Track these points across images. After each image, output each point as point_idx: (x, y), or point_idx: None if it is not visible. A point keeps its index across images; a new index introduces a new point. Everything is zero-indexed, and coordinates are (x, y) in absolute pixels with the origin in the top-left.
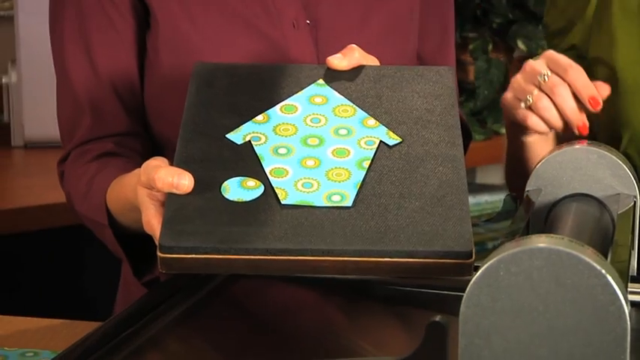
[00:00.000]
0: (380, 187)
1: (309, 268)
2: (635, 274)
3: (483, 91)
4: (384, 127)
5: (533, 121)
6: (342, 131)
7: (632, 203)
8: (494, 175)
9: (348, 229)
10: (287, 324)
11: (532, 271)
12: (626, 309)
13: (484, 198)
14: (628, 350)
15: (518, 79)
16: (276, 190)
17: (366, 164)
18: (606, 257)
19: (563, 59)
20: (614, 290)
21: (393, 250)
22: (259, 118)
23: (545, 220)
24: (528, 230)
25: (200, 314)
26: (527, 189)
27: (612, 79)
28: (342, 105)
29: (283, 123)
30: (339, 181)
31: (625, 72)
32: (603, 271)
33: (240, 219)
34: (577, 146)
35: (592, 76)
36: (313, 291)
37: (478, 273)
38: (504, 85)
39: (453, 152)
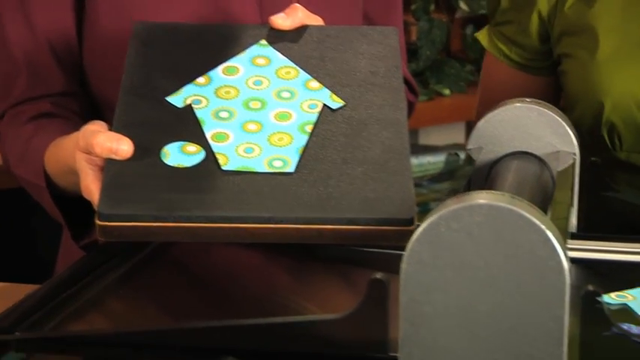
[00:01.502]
0: (322, 153)
1: (250, 235)
2: (575, 230)
3: (425, 51)
4: (327, 89)
5: None
6: (285, 94)
7: (572, 161)
8: (437, 136)
9: (290, 196)
10: (229, 284)
11: (472, 227)
12: (566, 264)
13: (427, 159)
14: (567, 305)
15: None
16: (217, 156)
17: (309, 129)
18: (546, 214)
19: None
20: (554, 246)
21: (335, 218)
22: (200, 80)
23: (486, 178)
24: (470, 188)
25: (141, 274)
26: (468, 147)
27: (592, 46)
28: (284, 67)
29: (225, 85)
30: (281, 146)
31: (606, 39)
32: (543, 227)
33: (180, 185)
34: (518, 104)
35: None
36: (257, 251)
37: (419, 230)
38: (446, 46)
39: (396, 116)
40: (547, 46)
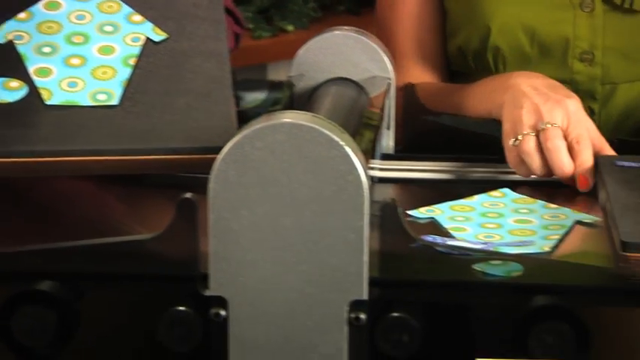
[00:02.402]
0: (146, 85)
1: (75, 168)
2: (393, 152)
3: None
4: (149, 22)
5: (514, 161)
6: (108, 28)
7: (387, 85)
8: (286, 71)
9: (114, 128)
10: (61, 211)
11: (275, 145)
12: (364, 178)
13: (274, 95)
14: (366, 217)
15: (523, 117)
16: (40, 91)
17: (132, 61)
18: (361, 137)
19: (581, 122)
20: (352, 161)
21: (159, 148)
22: (22, 15)
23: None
24: None
25: None
26: (290, 74)
27: None
28: (107, 1)
29: (47, 20)
30: (105, 80)
31: None
32: (342, 143)
33: (3, 121)
34: (336, 32)
35: None
36: (88, 180)
37: (224, 149)
38: None
39: (218, 47)
40: None
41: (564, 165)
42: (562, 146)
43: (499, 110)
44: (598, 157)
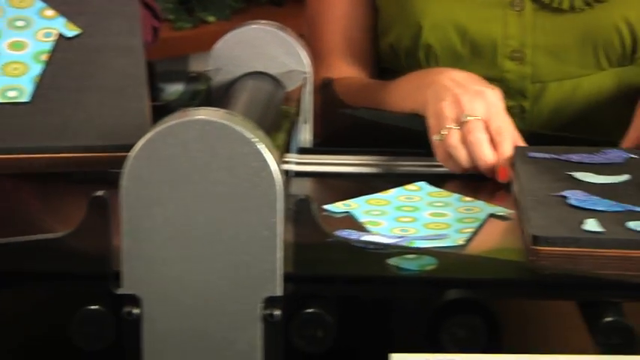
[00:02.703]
0: (58, 81)
1: None
2: (310, 146)
3: None
4: (62, 17)
5: (442, 157)
6: (19, 23)
7: (304, 79)
8: (206, 63)
9: (25, 126)
10: None
11: (188, 142)
12: (277, 174)
13: (193, 86)
14: (279, 213)
15: (444, 110)
16: None
17: (44, 57)
18: (277, 131)
19: (501, 113)
20: (265, 158)
21: (72, 146)
22: None
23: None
24: None
25: None
26: (207, 69)
27: None
28: None
29: None
30: (16, 76)
31: None
32: (255, 140)
33: None
34: (253, 26)
35: None
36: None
37: (137, 146)
38: None
39: (133, 43)
40: None
41: (486, 157)
42: (483, 139)
43: (423, 107)
44: (517, 150)
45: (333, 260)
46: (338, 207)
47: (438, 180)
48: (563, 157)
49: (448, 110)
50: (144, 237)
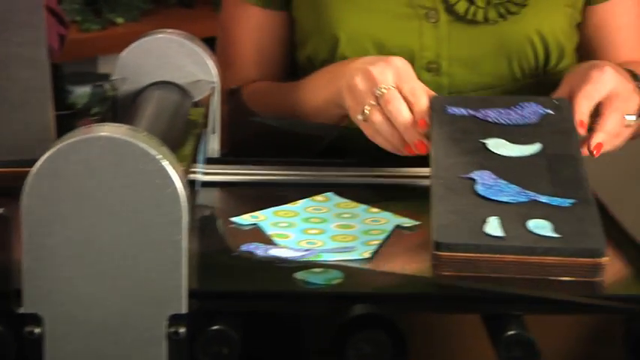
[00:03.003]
0: None
1: None
2: (218, 155)
3: None
4: None
5: (372, 134)
6: None
7: (211, 89)
8: (114, 65)
9: None
10: None
11: (91, 159)
12: (182, 192)
13: (99, 89)
14: (184, 231)
15: (358, 85)
16: None
17: None
18: (185, 142)
19: (410, 75)
20: (169, 174)
21: None
22: None
23: (130, 108)
24: (115, 120)
25: None
26: (112, 78)
27: None
28: None
29: None
30: None
31: None
32: (159, 157)
33: None
34: (160, 35)
35: None
36: None
37: (38, 163)
38: None
39: (37, 54)
40: None
41: (405, 119)
42: (402, 106)
43: (338, 93)
44: (432, 100)
45: (239, 275)
46: (245, 219)
47: (346, 189)
48: (481, 113)
49: (362, 85)
50: (45, 255)
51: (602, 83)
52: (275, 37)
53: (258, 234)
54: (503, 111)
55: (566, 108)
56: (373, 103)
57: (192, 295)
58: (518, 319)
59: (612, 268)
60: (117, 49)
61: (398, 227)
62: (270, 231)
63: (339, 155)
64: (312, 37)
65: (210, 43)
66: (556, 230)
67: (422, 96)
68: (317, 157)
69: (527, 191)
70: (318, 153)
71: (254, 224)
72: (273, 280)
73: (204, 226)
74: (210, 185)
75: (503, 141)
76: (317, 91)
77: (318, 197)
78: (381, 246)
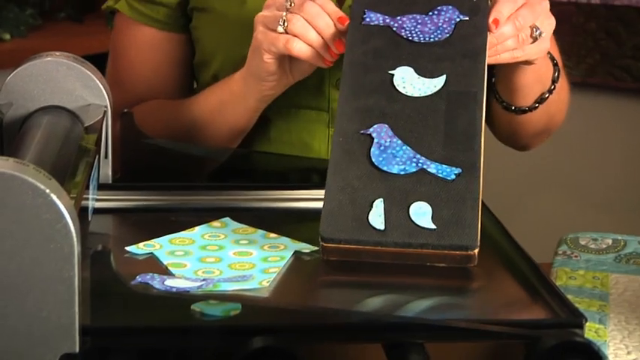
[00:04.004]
0: None
1: None
2: (110, 181)
3: None
4: None
5: (295, 46)
6: None
7: (103, 113)
8: (3, 81)
9: None
10: None
11: None
12: (73, 227)
13: None
14: (76, 267)
15: (263, 13)
16: None
17: None
18: (76, 169)
19: None
20: (59, 209)
21: None
22: None
23: (17, 133)
24: (2, 147)
25: None
26: None
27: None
28: None
29: None
30: None
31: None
32: (47, 191)
33: None
34: (48, 58)
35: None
36: None
37: None
38: None
39: None
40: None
41: (325, 16)
42: (317, 7)
43: (250, 56)
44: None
45: (134, 309)
46: (140, 248)
47: (242, 213)
48: (397, 22)
49: (268, 12)
50: None
51: None
52: (171, 58)
53: (153, 263)
54: (419, 18)
55: (483, 9)
56: (288, 11)
57: (85, 332)
58: (419, 347)
59: (510, 291)
60: (5, 66)
61: (297, 253)
62: (166, 260)
63: (235, 177)
64: (217, 57)
65: (101, 59)
66: (434, 217)
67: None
68: (212, 180)
69: (418, 156)
70: (214, 175)
71: (150, 253)
72: (170, 312)
73: (98, 256)
74: (104, 212)
75: (410, 70)
76: (223, 86)
77: (215, 223)
78: (279, 274)
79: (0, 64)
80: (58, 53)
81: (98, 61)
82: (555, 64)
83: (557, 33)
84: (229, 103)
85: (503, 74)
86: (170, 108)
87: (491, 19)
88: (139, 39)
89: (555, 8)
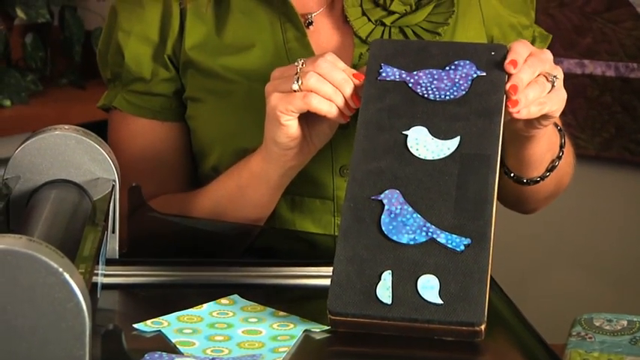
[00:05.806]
0: None
1: None
2: (117, 256)
3: None
4: None
5: (312, 100)
6: None
7: (111, 187)
8: (4, 149)
9: None
10: None
11: None
12: (85, 306)
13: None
14: (87, 345)
15: (273, 82)
16: None
17: None
18: (85, 245)
19: (327, 54)
20: (72, 288)
21: None
22: None
23: (25, 207)
24: (9, 220)
25: None
26: (5, 177)
27: (224, 90)
28: None
29: None
30: None
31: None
32: (60, 269)
33: None
34: (56, 132)
35: None
36: None
37: None
38: (6, 55)
39: None
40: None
41: (340, 72)
42: (329, 63)
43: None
44: (370, 44)
45: None
46: (148, 326)
47: (251, 290)
48: (413, 77)
49: (279, 72)
50: None
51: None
52: (174, 147)
53: (162, 341)
54: (435, 73)
55: (500, 63)
56: (301, 70)
57: None
58: None
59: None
60: (6, 133)
61: (306, 331)
62: (174, 338)
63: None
64: (215, 148)
65: (103, 126)
66: (442, 291)
67: (338, 59)
68: (220, 255)
69: (428, 224)
70: (220, 252)
71: (158, 331)
72: None
73: (106, 334)
74: (111, 288)
75: (424, 131)
76: (239, 170)
77: (223, 300)
78: (289, 353)
79: (1, 130)
80: (67, 127)
81: (101, 129)
82: (560, 130)
83: (571, 106)
84: (249, 187)
85: (515, 149)
86: (180, 203)
87: (508, 60)
88: (138, 132)
89: (570, 81)
